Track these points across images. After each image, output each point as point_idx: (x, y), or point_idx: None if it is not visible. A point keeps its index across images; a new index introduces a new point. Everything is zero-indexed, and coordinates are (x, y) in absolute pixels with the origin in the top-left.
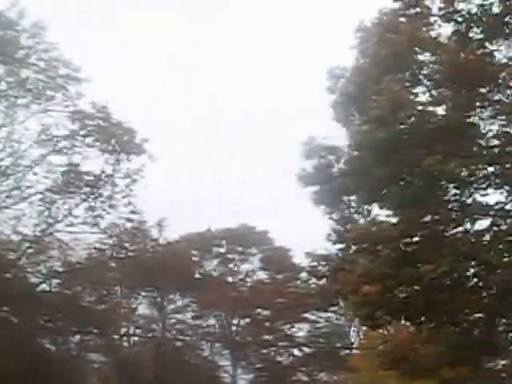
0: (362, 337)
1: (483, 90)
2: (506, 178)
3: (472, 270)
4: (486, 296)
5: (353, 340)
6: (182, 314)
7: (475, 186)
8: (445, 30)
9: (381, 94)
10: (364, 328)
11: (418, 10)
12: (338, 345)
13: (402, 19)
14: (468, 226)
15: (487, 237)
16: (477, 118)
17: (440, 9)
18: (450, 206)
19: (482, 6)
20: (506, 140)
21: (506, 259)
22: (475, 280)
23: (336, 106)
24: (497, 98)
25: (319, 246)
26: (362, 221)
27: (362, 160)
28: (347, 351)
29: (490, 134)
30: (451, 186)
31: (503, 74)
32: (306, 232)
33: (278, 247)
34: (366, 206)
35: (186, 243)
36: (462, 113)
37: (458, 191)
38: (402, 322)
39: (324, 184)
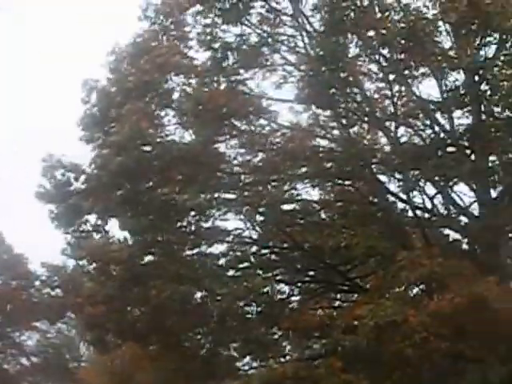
0: (92, 350)
1: (233, 119)
2: (245, 206)
3: (198, 295)
4: (210, 322)
5: (83, 353)
6: None
7: (214, 211)
8: (202, 56)
9: (121, 119)
10: None
11: (176, 33)
12: (68, 357)
13: (158, 42)
14: (204, 249)
15: (222, 261)
16: (223, 145)
17: (198, 34)
18: (187, 230)
19: (240, 35)
20: (249, 170)
21: (231, 286)
22: (200, 305)
23: (82, 124)
24: (246, 127)
25: (57, 257)
26: (98, 239)
27: (101, 180)
28: (76, 364)
29: (235, 163)
30: (189, 211)
31: (254, 104)
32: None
33: (14, 254)
34: (103, 225)
35: None
36: (207, 140)
37: (196, 216)
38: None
39: (61, 202)
